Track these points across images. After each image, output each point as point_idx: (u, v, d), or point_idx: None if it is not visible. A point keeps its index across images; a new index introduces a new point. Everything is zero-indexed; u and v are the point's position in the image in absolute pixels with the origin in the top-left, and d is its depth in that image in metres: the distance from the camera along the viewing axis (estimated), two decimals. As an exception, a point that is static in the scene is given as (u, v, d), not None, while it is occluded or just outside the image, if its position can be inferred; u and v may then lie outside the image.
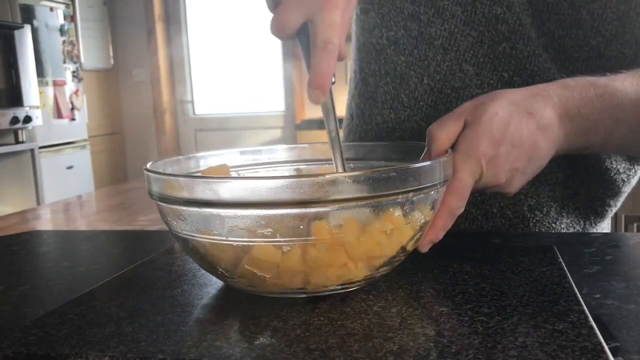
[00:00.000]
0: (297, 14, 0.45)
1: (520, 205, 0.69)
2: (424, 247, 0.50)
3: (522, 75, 0.66)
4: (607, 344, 0.35)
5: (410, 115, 0.72)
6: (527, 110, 0.53)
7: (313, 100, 0.46)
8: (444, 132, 0.52)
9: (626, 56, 0.64)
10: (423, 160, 0.50)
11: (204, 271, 0.52)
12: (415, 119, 0.72)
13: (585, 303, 0.41)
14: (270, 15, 0.46)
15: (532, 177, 0.56)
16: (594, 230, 0.74)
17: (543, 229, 0.70)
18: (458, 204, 0.50)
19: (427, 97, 0.70)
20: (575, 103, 0.55)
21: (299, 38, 0.47)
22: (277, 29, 0.46)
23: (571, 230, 0.72)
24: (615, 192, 0.71)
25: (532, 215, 0.69)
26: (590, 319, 0.38)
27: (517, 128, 0.52)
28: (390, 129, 0.74)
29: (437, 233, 0.50)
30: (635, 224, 1.75)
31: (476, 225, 0.71)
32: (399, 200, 0.43)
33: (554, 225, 0.70)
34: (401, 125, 0.73)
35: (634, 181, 0.73)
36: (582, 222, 0.72)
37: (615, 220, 1.65)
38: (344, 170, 0.49)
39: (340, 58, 0.47)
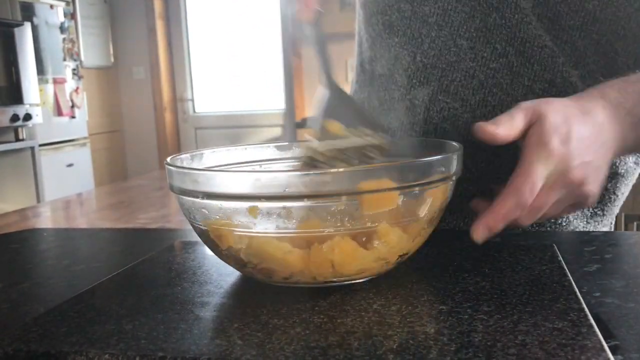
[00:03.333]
0: None
1: None
2: (479, 233, 0.49)
3: (514, 44, 0.67)
4: (607, 343, 0.35)
5: (404, 94, 0.73)
6: (582, 110, 0.54)
7: (301, 16, 0.53)
8: (512, 119, 0.53)
9: (620, 18, 0.64)
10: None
11: (204, 269, 0.52)
12: (409, 97, 0.73)
13: (585, 301, 0.41)
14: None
15: (606, 172, 0.56)
16: (593, 222, 0.74)
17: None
18: (526, 190, 0.50)
19: (420, 74, 0.71)
20: (619, 100, 0.56)
21: (312, 29, 0.55)
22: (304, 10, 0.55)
23: (571, 212, 0.71)
24: (611, 174, 0.71)
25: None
26: (590, 317, 0.38)
27: (579, 125, 0.53)
28: (385, 111, 0.75)
29: (498, 220, 0.49)
30: (635, 223, 1.75)
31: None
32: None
33: None
34: (395, 105, 0.74)
35: (631, 164, 0.73)
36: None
37: (616, 219, 1.65)
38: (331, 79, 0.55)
39: None
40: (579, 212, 0.72)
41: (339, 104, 0.55)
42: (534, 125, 0.53)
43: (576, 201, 0.55)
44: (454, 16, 0.69)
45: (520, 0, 0.66)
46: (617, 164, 0.71)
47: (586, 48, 0.66)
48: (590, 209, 0.73)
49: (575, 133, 0.52)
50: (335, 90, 0.55)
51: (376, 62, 0.76)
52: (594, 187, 0.55)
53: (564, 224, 0.71)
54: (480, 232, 0.49)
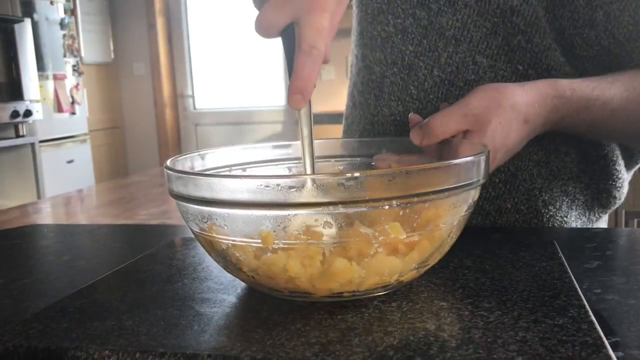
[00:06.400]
0: (283, 14, 0.44)
1: (534, 200, 0.69)
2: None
3: (537, 69, 0.66)
4: (608, 339, 0.35)
5: (420, 108, 0.70)
6: (525, 118, 0.58)
7: (293, 105, 0.44)
8: (445, 129, 0.55)
9: (633, 60, 0.64)
10: (412, 136, 0.56)
11: (204, 265, 0.52)
12: (425, 112, 0.70)
13: (585, 298, 0.41)
14: (256, 13, 0.45)
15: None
16: (596, 224, 0.74)
17: (556, 224, 0.70)
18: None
19: (438, 90, 0.69)
20: (562, 114, 0.60)
21: (282, 38, 0.46)
22: (262, 27, 0.45)
23: (578, 222, 0.71)
24: (621, 183, 0.71)
25: (546, 210, 0.69)
26: (591, 313, 0.38)
27: (514, 137, 0.58)
28: (398, 122, 0.73)
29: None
30: (635, 220, 1.75)
31: (489, 221, 0.70)
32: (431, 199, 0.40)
33: (565, 219, 0.70)
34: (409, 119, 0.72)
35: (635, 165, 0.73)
36: (587, 214, 0.72)
37: (616, 215, 1.65)
38: (313, 173, 0.48)
39: (325, 61, 0.46)
40: (584, 219, 0.72)
41: None
42: (475, 133, 0.56)
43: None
44: (474, 31, 0.66)
45: (547, 25, 0.64)
46: (624, 172, 0.71)
47: (597, 74, 0.65)
48: (596, 215, 0.73)
49: (508, 145, 0.58)
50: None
51: (387, 67, 0.73)
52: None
53: (565, 225, 0.71)
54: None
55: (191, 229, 0.45)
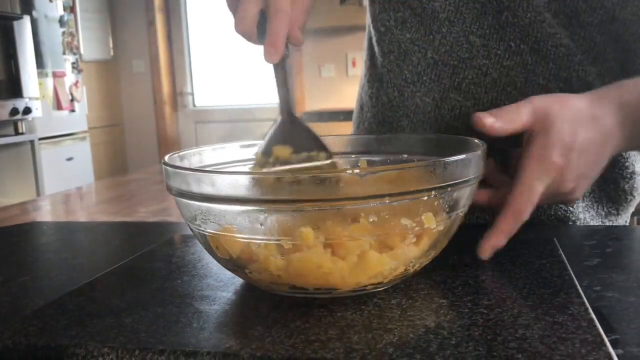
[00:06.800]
0: (254, 3, 0.51)
1: None
2: (486, 252, 0.50)
3: (528, 42, 0.66)
4: (607, 337, 0.35)
5: (414, 91, 0.72)
6: (593, 115, 0.55)
7: (267, 57, 0.51)
8: (516, 117, 0.54)
9: (635, 23, 0.63)
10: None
11: (203, 262, 0.52)
12: (419, 95, 0.71)
13: (585, 295, 0.41)
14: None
15: (597, 176, 0.58)
16: (608, 221, 0.73)
17: (559, 212, 0.70)
18: (526, 209, 0.52)
19: (430, 71, 0.70)
20: (634, 110, 0.57)
21: (259, 34, 0.53)
22: (239, 22, 0.52)
23: (586, 214, 0.71)
24: (629, 173, 0.71)
25: None
26: (591, 311, 0.38)
27: (585, 135, 0.54)
28: (394, 108, 0.74)
29: (501, 238, 0.51)
30: (635, 217, 1.75)
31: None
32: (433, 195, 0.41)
33: (571, 208, 0.70)
34: (405, 103, 0.73)
35: None
36: (595, 206, 0.72)
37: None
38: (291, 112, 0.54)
39: (296, 42, 0.53)
40: (593, 213, 0.72)
41: (290, 129, 0.53)
42: (539, 133, 0.54)
43: (558, 200, 0.58)
44: (466, 13, 0.68)
45: None
46: (634, 164, 0.71)
47: (605, 44, 0.65)
48: (605, 209, 0.72)
49: (578, 145, 0.54)
50: (288, 116, 0.54)
51: (384, 57, 0.75)
52: (579, 194, 0.57)
53: (579, 223, 0.71)
54: (488, 253, 0.51)
55: (201, 232, 0.44)
